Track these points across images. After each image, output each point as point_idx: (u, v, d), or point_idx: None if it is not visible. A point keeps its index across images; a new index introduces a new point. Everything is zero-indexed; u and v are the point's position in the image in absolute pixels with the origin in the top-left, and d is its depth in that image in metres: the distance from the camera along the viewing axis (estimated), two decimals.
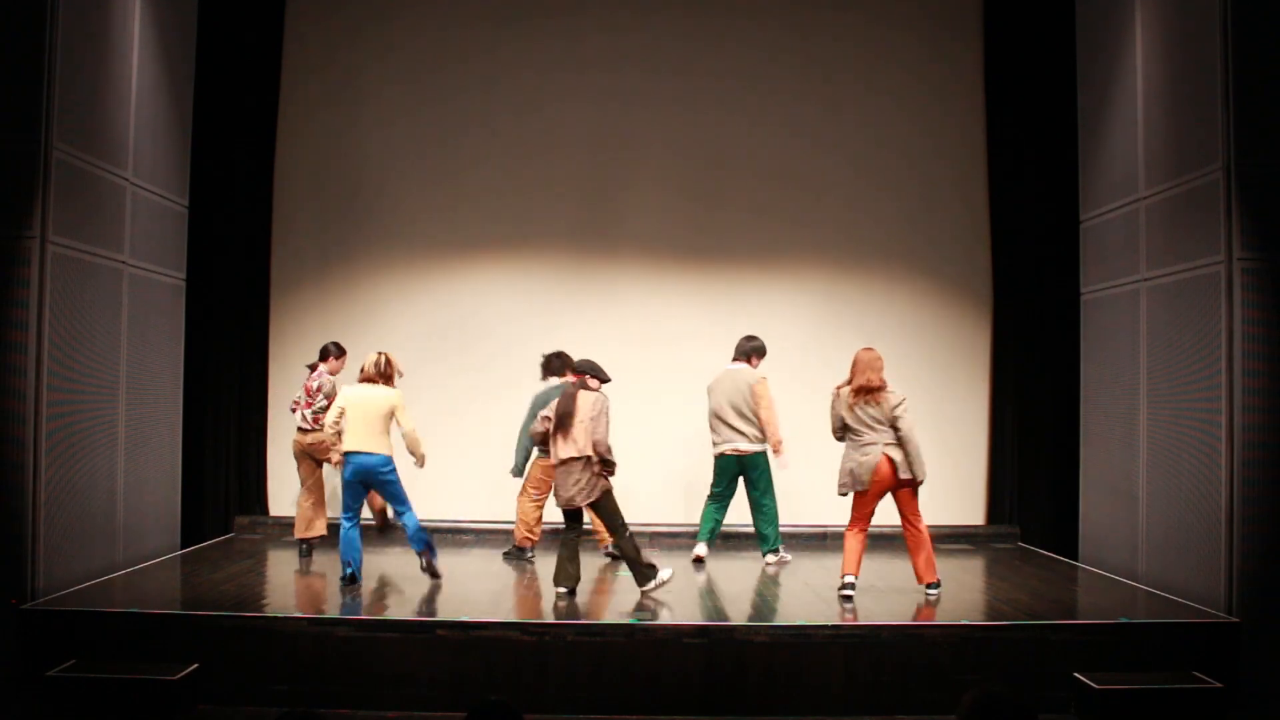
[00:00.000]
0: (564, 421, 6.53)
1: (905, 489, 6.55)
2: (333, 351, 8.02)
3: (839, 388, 6.69)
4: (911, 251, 9.34)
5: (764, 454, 7.80)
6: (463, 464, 8.86)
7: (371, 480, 6.82)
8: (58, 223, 6.22)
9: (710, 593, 6.91)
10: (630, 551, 6.59)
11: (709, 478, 8.07)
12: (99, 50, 6.81)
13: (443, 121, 9.27)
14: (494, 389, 9.10)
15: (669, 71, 9.31)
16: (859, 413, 6.52)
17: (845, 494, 6.63)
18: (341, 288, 9.27)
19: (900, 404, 6.51)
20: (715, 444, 7.84)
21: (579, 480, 6.49)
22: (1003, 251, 9.25)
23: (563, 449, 6.53)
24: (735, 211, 9.32)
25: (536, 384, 8.93)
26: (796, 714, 5.57)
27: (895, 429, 6.47)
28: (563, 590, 6.53)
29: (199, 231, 8.51)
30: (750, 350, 7.94)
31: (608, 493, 6.58)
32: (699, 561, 7.79)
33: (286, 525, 8.67)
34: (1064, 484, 8.72)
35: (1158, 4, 7.29)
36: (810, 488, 8.72)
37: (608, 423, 6.54)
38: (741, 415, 7.71)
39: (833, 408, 6.68)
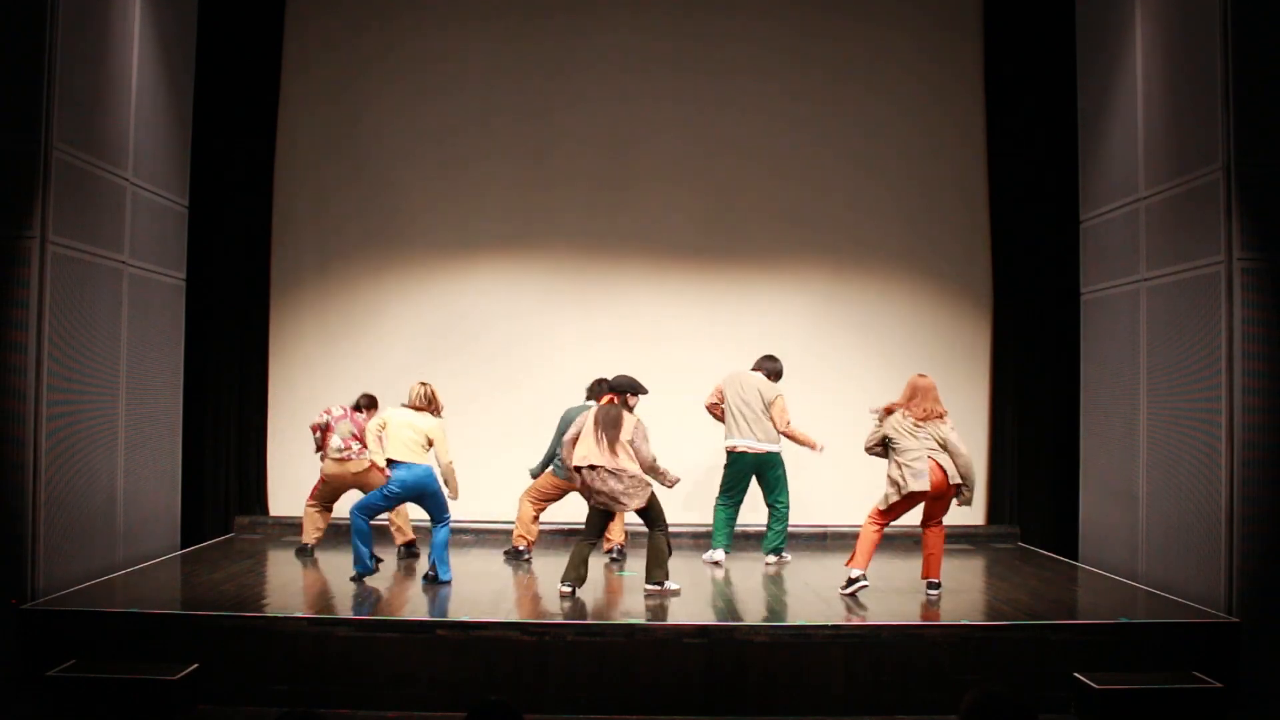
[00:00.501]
0: (610, 433, 6.59)
1: (948, 495, 6.59)
2: (371, 404, 7.99)
3: (888, 411, 6.73)
4: (911, 251, 9.34)
5: (778, 454, 7.84)
6: (463, 464, 8.83)
7: (420, 493, 6.85)
8: (58, 223, 6.22)
9: (710, 593, 6.91)
10: (662, 546, 6.69)
11: (714, 476, 8.11)
12: (99, 50, 6.81)
13: (443, 120, 9.28)
14: (495, 389, 9.11)
15: (669, 70, 9.31)
16: (915, 432, 6.59)
17: (894, 501, 6.61)
18: (341, 288, 9.27)
19: (953, 427, 6.67)
20: (729, 438, 7.89)
21: (623, 485, 6.54)
22: (1003, 251, 9.26)
23: (599, 458, 6.56)
24: (736, 210, 9.32)
25: (537, 384, 8.97)
26: (796, 714, 5.57)
27: (948, 448, 6.57)
28: (566, 589, 6.54)
29: (199, 231, 8.51)
30: (770, 370, 8.01)
31: (653, 494, 6.71)
32: (716, 565, 7.81)
33: (286, 525, 8.69)
34: (1064, 484, 8.73)
35: (1158, 4, 7.29)
36: (810, 488, 8.74)
37: (648, 443, 6.72)
38: (756, 418, 7.79)
39: (880, 426, 6.72)
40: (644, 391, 7.01)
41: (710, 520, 8.07)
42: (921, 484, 6.50)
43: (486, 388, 9.10)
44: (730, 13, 9.36)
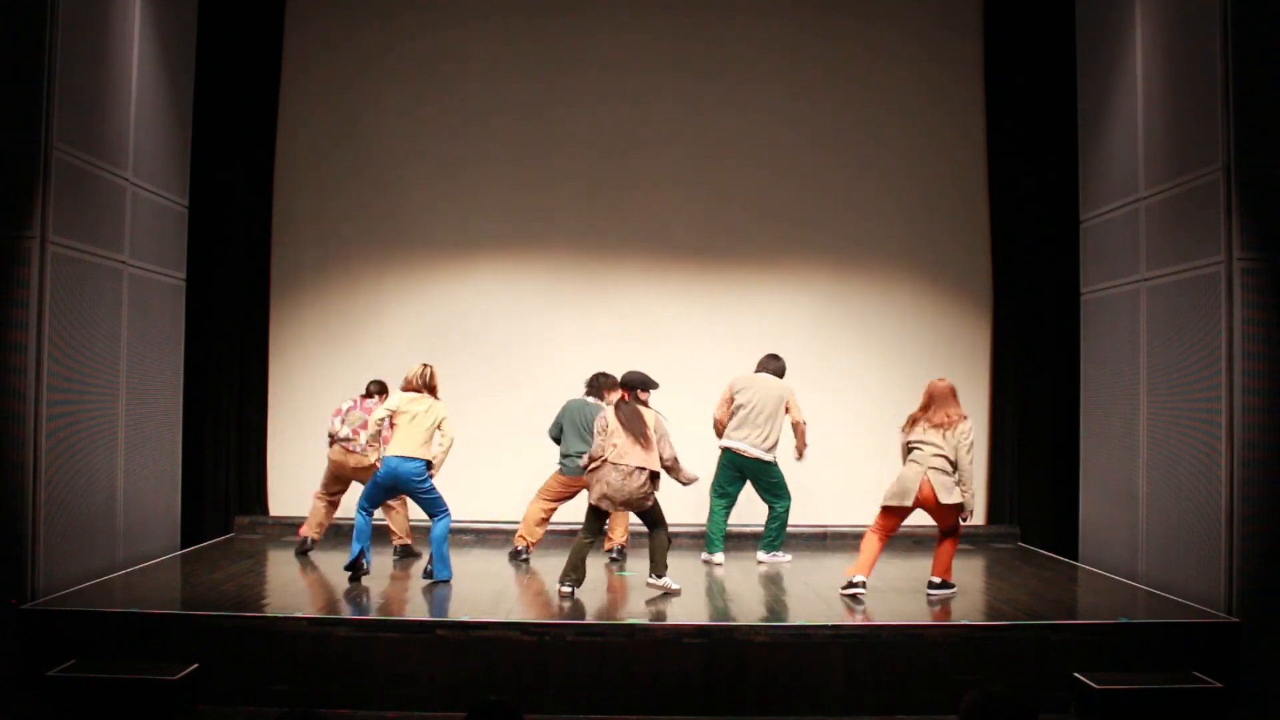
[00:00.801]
0: (636, 428, 6.60)
1: (947, 509, 6.57)
2: (381, 390, 8.03)
3: (912, 421, 6.72)
4: (911, 251, 9.35)
5: (769, 464, 7.85)
6: (463, 464, 8.84)
7: (406, 488, 6.87)
8: (58, 223, 6.22)
9: (710, 593, 6.91)
10: (664, 543, 6.73)
11: (708, 476, 8.11)
12: (99, 50, 6.81)
13: (443, 121, 9.28)
14: (494, 388, 9.11)
15: (669, 71, 9.32)
16: (928, 437, 6.59)
17: (887, 504, 6.64)
18: (341, 288, 9.27)
19: (968, 434, 6.58)
20: (731, 437, 7.89)
21: (642, 487, 6.57)
22: (1003, 251, 9.26)
23: (632, 457, 6.56)
24: (736, 211, 9.33)
25: (537, 384, 8.96)
26: (796, 714, 5.57)
27: (956, 458, 6.54)
28: (566, 590, 6.54)
29: (199, 231, 8.51)
30: (778, 369, 8.05)
31: (655, 499, 6.73)
32: (718, 566, 7.82)
33: (287, 525, 8.71)
34: (1064, 484, 8.73)
35: (1158, 4, 7.29)
36: (811, 488, 8.75)
37: (669, 439, 6.75)
38: (770, 421, 7.82)
39: (904, 442, 6.74)
40: (654, 386, 6.95)
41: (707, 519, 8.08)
42: (905, 499, 6.53)
43: (486, 388, 9.10)
44: (730, 13, 9.36)
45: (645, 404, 6.81)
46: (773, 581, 7.31)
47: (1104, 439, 7.98)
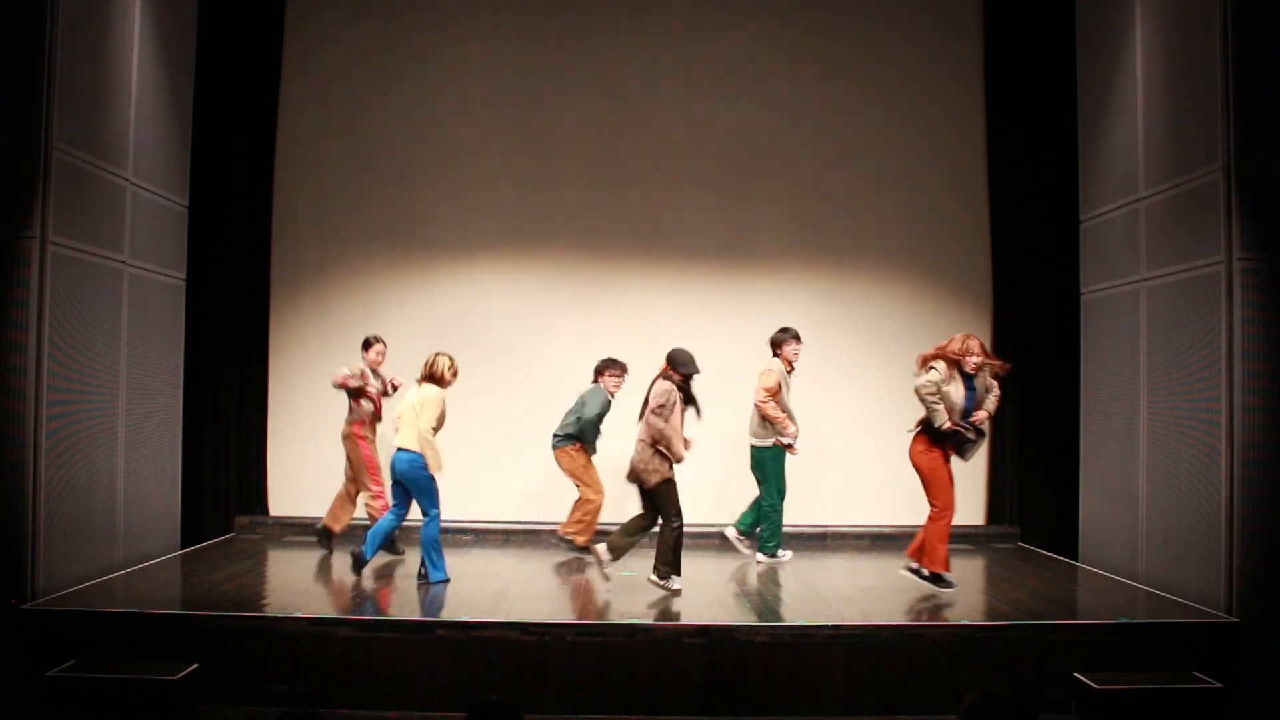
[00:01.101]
0: (644, 404, 6.78)
1: (918, 464, 6.74)
2: (377, 339, 8.16)
3: None
4: (911, 251, 9.34)
5: (765, 451, 7.84)
6: (463, 464, 8.84)
7: (406, 479, 6.90)
8: (58, 223, 6.23)
9: (711, 593, 6.90)
10: (668, 541, 6.69)
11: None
12: (99, 50, 6.82)
13: (443, 120, 9.27)
14: (494, 388, 9.10)
15: (670, 71, 9.31)
16: None
17: None
18: (341, 288, 9.26)
19: (920, 377, 6.74)
20: None
21: (643, 461, 6.65)
22: (1003, 251, 9.26)
23: (640, 430, 6.78)
24: (736, 210, 9.32)
25: (537, 384, 8.98)
26: (796, 714, 5.57)
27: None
28: (601, 548, 6.72)
29: (199, 231, 8.51)
30: (770, 342, 8.05)
31: (667, 482, 6.67)
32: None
33: (287, 525, 8.73)
34: (1064, 484, 8.73)
35: (1158, 4, 7.29)
36: (811, 488, 8.75)
37: (670, 413, 6.62)
38: (751, 410, 7.88)
39: None
40: (694, 371, 6.81)
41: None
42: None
43: (486, 388, 9.08)
44: (731, 13, 9.35)
45: (674, 381, 6.75)
46: (772, 581, 7.31)
47: (1104, 439, 7.98)
